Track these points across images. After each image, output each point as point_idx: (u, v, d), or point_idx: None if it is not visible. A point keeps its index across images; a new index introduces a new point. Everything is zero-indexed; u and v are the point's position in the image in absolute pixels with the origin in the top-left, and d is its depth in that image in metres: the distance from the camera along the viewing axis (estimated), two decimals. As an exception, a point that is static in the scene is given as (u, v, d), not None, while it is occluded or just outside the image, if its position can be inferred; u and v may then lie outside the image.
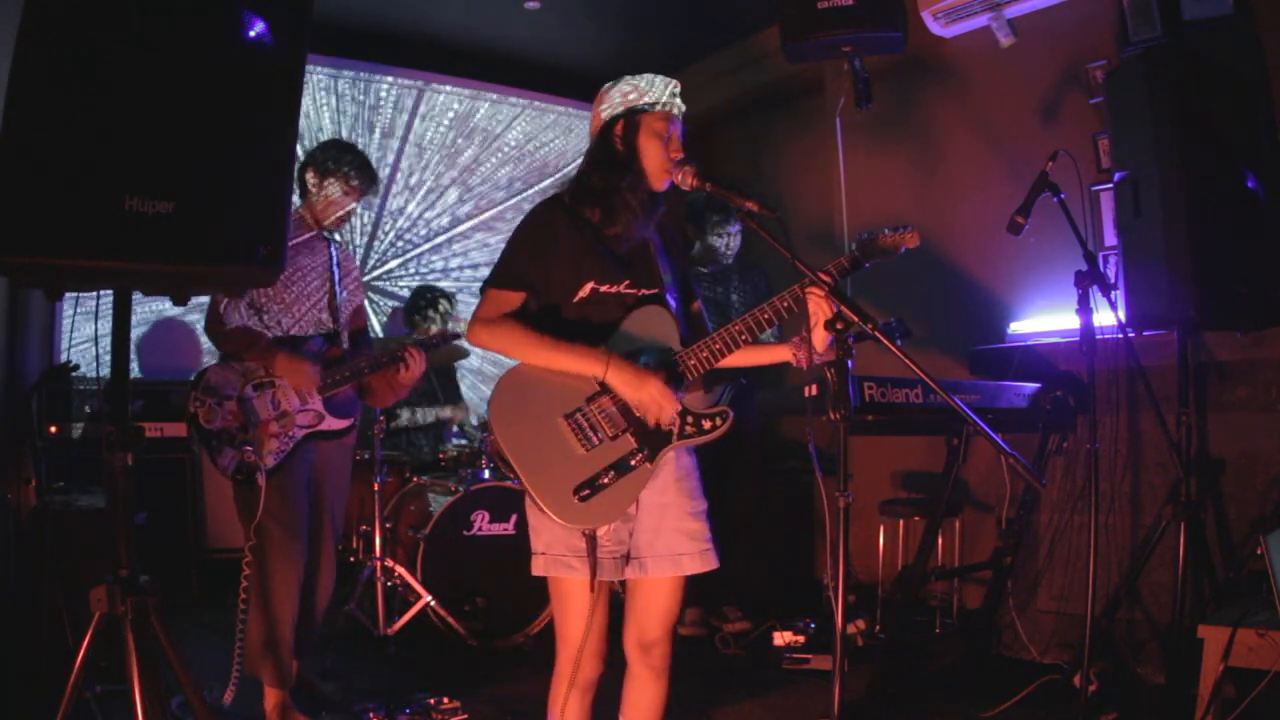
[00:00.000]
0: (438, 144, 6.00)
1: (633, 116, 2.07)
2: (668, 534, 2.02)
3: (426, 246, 5.98)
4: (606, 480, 1.93)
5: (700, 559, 2.02)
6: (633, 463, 1.95)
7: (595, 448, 1.95)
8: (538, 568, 2.01)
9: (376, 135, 5.78)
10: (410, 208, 5.91)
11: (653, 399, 1.95)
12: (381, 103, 5.79)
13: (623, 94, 2.10)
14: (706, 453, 2.10)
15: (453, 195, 6.07)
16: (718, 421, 2.01)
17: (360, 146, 5.55)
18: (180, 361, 5.11)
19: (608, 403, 1.97)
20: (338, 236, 3.17)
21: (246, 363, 2.84)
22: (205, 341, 5.04)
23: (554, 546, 1.97)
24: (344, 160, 3.02)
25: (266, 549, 2.73)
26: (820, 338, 1.99)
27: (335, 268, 3.06)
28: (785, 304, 2.00)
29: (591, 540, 1.92)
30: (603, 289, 2.04)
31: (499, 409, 1.97)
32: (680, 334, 2.07)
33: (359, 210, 3.32)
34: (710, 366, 2.01)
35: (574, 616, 1.97)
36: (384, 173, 5.78)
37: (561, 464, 1.92)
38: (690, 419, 2.00)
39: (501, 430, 1.94)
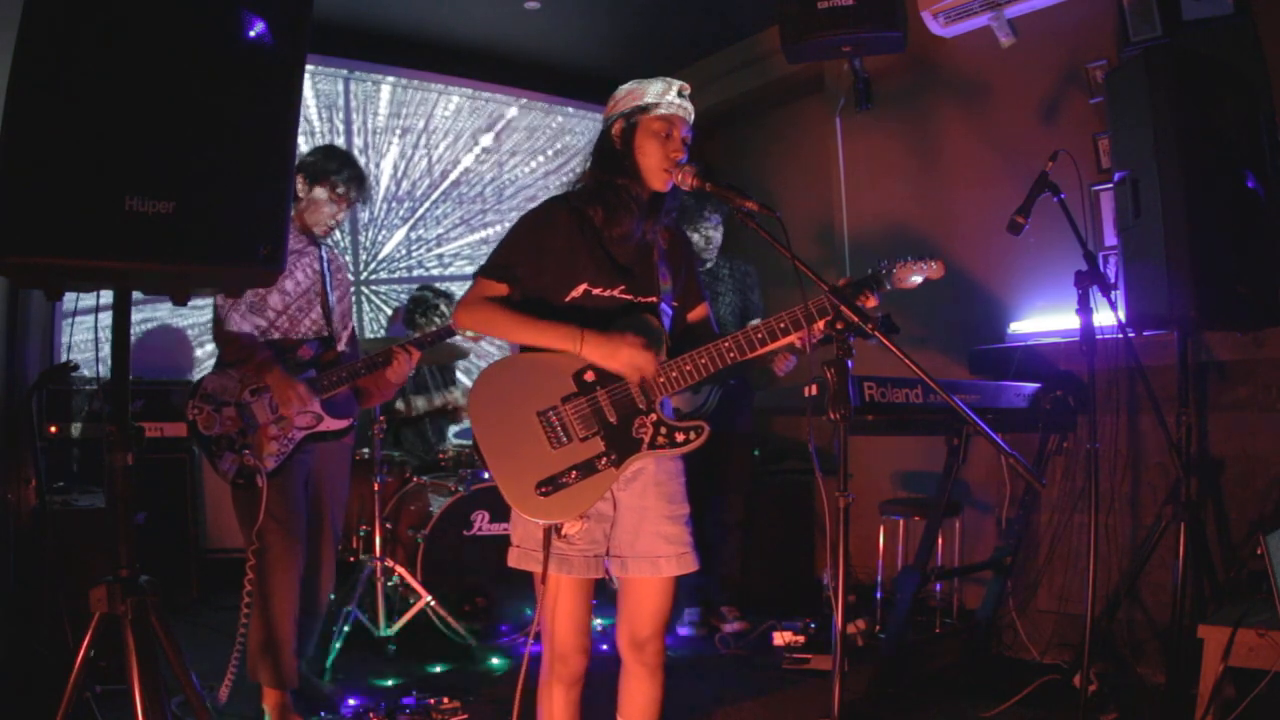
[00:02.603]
0: (436, 143, 6.00)
1: (632, 116, 2.09)
2: (646, 537, 2.05)
3: (423, 246, 5.98)
4: (569, 480, 1.96)
5: (678, 562, 2.05)
6: (599, 465, 1.98)
7: (563, 446, 1.98)
8: (512, 559, 2.06)
9: (375, 135, 5.78)
10: (407, 207, 5.91)
11: (629, 363, 1.98)
12: (380, 102, 5.79)
13: (627, 96, 2.12)
14: (699, 454, 2.10)
15: (450, 194, 6.07)
16: (691, 436, 2.02)
17: (357, 146, 5.62)
18: (177, 361, 5.12)
19: (584, 404, 2.00)
20: (329, 240, 3.16)
21: (247, 373, 2.84)
22: (197, 343, 5.06)
23: (526, 541, 2.03)
24: (334, 168, 3.00)
25: (266, 551, 2.73)
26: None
27: (326, 271, 3.06)
28: (783, 325, 2.00)
29: (547, 534, 1.97)
30: (595, 291, 2.06)
31: (478, 398, 2.03)
32: (666, 345, 2.07)
33: (354, 210, 3.31)
34: (690, 382, 2.02)
35: (541, 610, 2.01)
36: (382, 172, 5.79)
37: (528, 458, 1.96)
38: (664, 430, 2.02)
39: (477, 419, 2.02)
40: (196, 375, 3.58)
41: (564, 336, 2.00)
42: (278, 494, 2.75)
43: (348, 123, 5.69)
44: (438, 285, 4.99)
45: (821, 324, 1.97)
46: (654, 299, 2.11)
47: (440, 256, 6.03)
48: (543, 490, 1.94)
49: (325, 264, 3.07)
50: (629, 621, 2.08)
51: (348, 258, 5.64)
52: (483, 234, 6.17)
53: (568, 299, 2.05)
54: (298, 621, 2.86)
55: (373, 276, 5.79)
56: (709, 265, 4.14)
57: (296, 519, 2.83)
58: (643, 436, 2.01)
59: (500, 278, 2.09)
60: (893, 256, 2.14)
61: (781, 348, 2.06)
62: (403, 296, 5.76)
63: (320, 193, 2.99)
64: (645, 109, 2.09)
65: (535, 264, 2.07)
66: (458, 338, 3.37)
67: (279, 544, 2.77)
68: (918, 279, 2.14)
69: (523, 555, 2.03)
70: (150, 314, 5.02)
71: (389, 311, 5.76)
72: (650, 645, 2.07)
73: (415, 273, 5.90)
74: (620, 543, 2.05)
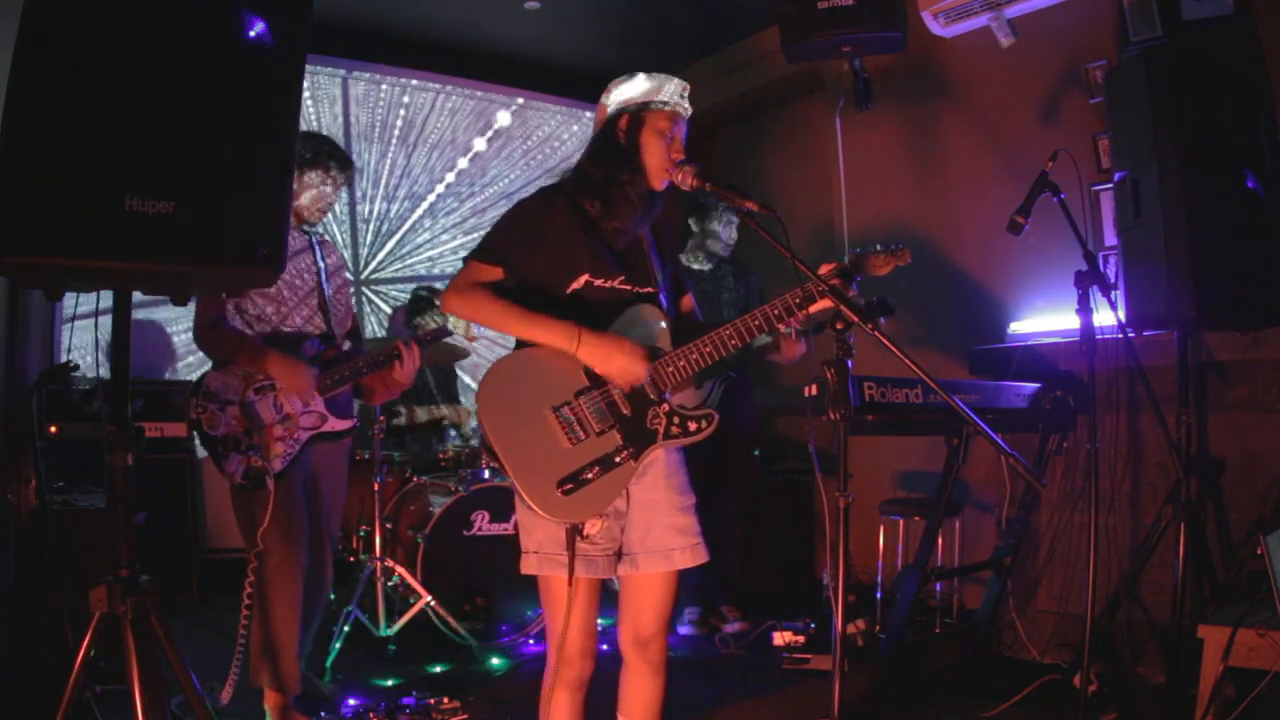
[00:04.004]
0: (435, 143, 6.00)
1: (638, 112, 2.08)
2: (658, 530, 2.03)
3: (420, 244, 5.99)
4: (590, 475, 1.93)
5: (691, 553, 2.03)
6: (617, 459, 1.96)
7: (581, 442, 1.95)
8: (529, 566, 2.00)
9: (374, 134, 5.78)
10: (405, 205, 5.92)
11: (622, 371, 1.96)
12: (380, 102, 5.80)
13: (632, 89, 2.10)
14: (700, 452, 2.10)
15: (450, 193, 6.07)
16: (703, 424, 2.01)
17: (358, 146, 5.62)
18: (176, 361, 5.12)
19: (597, 397, 1.98)
20: (319, 230, 3.12)
21: (244, 367, 2.80)
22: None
23: (545, 545, 1.97)
24: (321, 151, 2.98)
25: (268, 554, 2.70)
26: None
27: (321, 263, 3.01)
28: (776, 312, 2.00)
29: (570, 535, 1.92)
30: (597, 283, 2.04)
31: (487, 398, 1.96)
32: (671, 335, 2.07)
33: (347, 207, 3.29)
34: (696, 370, 2.00)
35: (565, 614, 1.97)
36: (381, 171, 5.79)
37: (546, 457, 1.92)
38: (676, 420, 2.01)
39: (489, 419, 1.94)
40: (196, 375, 3.57)
41: (560, 333, 1.95)
42: (280, 496, 2.71)
43: (346, 120, 5.69)
44: (435, 285, 5.00)
45: (814, 309, 1.98)
46: (652, 289, 2.11)
47: (435, 253, 6.03)
48: (565, 488, 1.91)
49: (319, 254, 3.03)
50: (633, 619, 2.06)
51: (346, 253, 5.64)
52: (478, 231, 6.16)
53: (569, 290, 2.03)
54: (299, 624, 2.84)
55: (372, 276, 5.79)
56: (713, 267, 4.15)
57: (297, 521, 2.80)
58: (657, 428, 1.99)
59: (493, 260, 2.03)
60: (864, 246, 2.19)
61: (779, 335, 2.08)
62: (402, 296, 5.76)
63: (314, 177, 2.96)
64: (652, 105, 2.07)
65: (531, 250, 2.03)
66: (455, 337, 3.35)
67: (280, 547, 2.73)
68: (887, 268, 2.17)
69: (544, 560, 1.97)
70: (150, 313, 5.02)
71: (385, 310, 5.76)
72: (654, 643, 2.06)
73: (415, 270, 5.90)
74: (631, 539, 2.03)
